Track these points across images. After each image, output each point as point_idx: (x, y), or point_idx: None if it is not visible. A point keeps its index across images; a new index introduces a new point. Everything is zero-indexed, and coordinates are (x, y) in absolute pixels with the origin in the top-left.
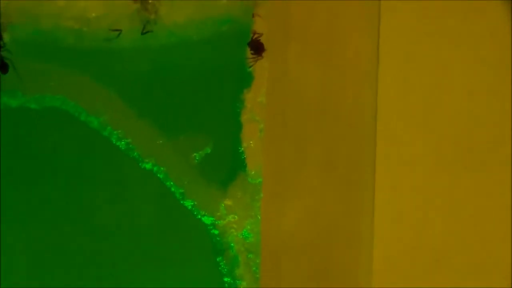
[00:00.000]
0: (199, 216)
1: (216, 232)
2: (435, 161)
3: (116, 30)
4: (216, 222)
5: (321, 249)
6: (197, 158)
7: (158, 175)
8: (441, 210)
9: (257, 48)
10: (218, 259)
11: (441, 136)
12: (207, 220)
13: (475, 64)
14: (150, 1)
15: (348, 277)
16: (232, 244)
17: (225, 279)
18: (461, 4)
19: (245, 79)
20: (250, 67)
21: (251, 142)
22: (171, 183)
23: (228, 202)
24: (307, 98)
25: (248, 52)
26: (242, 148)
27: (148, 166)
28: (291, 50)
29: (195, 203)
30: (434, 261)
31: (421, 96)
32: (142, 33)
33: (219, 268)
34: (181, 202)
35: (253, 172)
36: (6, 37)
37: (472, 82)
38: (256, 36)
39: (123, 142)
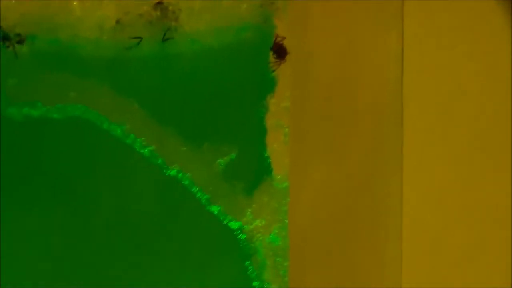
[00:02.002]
0: (226, 221)
1: (244, 236)
2: (462, 156)
3: (136, 38)
4: (243, 227)
5: (349, 251)
6: (222, 164)
7: (183, 181)
8: (468, 203)
9: (280, 52)
10: (246, 264)
11: (469, 129)
12: (234, 225)
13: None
14: (170, 8)
15: (376, 280)
16: (259, 249)
17: (254, 284)
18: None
19: (269, 84)
20: (273, 71)
21: (276, 147)
22: (197, 189)
23: (254, 206)
24: (332, 101)
25: (271, 57)
26: (267, 153)
27: (172, 172)
28: (314, 53)
29: (222, 208)
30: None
31: (445, 93)
32: (163, 41)
33: (247, 272)
34: (207, 208)
35: (279, 177)
36: (25, 48)
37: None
38: (278, 39)
39: (147, 150)
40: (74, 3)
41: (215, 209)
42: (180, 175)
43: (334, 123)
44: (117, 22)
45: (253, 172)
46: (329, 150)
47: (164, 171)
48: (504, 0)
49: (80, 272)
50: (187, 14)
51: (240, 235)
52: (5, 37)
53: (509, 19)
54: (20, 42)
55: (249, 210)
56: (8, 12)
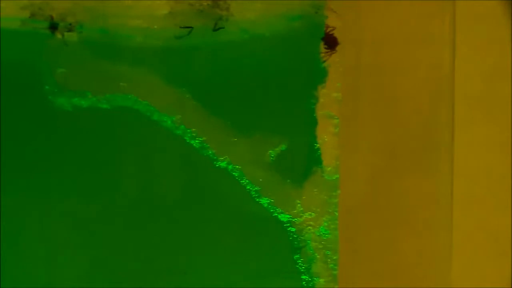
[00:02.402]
0: (276, 214)
1: (293, 229)
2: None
3: (187, 27)
4: (293, 220)
5: (399, 245)
6: (272, 156)
7: (233, 173)
8: None
9: (331, 42)
10: (295, 257)
11: None
12: (283, 217)
13: None
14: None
15: (426, 275)
16: (309, 242)
17: (303, 277)
18: None
19: (319, 75)
20: (324, 62)
21: (326, 138)
22: (247, 181)
23: (304, 199)
24: (383, 91)
25: (322, 47)
26: (318, 145)
27: (222, 164)
28: (365, 44)
29: (271, 200)
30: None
31: (497, 80)
32: (214, 30)
33: (297, 266)
34: (257, 200)
35: (329, 169)
36: (74, 37)
37: None
38: (329, 30)
39: (197, 141)
40: None
41: (264, 201)
42: (230, 167)
43: (385, 114)
44: (167, 11)
45: (303, 163)
46: (380, 141)
47: (214, 162)
48: None
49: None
50: (238, 3)
51: (290, 227)
52: (54, 26)
53: None
54: (70, 30)
55: (299, 202)
56: (58, 1)
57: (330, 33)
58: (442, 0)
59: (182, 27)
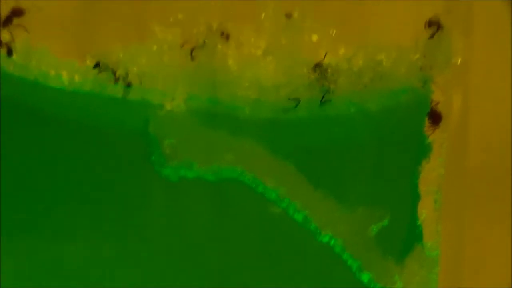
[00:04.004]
0: None
1: None
2: None
3: (295, 99)
4: None
5: None
6: (374, 230)
7: (335, 248)
8: None
9: (435, 118)
10: None
11: None
12: None
13: None
14: (329, 70)
15: None
16: None
17: None
18: None
19: (424, 150)
20: (428, 137)
21: (427, 213)
22: (348, 255)
23: (405, 275)
24: (486, 170)
25: (426, 122)
26: (420, 221)
27: (325, 239)
28: (470, 119)
29: (372, 275)
30: None
31: None
32: (321, 103)
33: None
34: (358, 275)
35: (429, 244)
36: (182, 107)
37: None
38: (434, 104)
39: (300, 214)
40: (230, 62)
41: (365, 277)
42: (332, 241)
43: (487, 192)
44: (275, 83)
45: (404, 238)
46: (483, 218)
47: (317, 237)
48: None
49: None
50: (346, 76)
51: None
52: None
53: None
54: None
55: (399, 278)
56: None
57: (435, 108)
58: None
59: (290, 99)
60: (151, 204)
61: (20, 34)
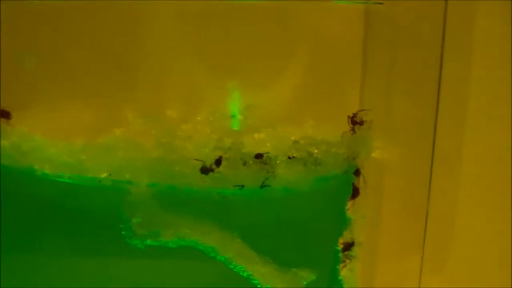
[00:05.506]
0: None
1: None
2: None
3: (239, 186)
4: None
5: None
6: (304, 284)
7: None
8: None
9: (354, 193)
10: None
11: None
12: None
13: None
14: (268, 161)
15: None
16: None
17: None
18: None
19: (345, 223)
20: (347, 209)
21: (346, 273)
22: None
23: None
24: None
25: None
26: (340, 277)
27: None
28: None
29: None
30: None
31: None
32: (261, 187)
33: None
34: None
35: None
36: (147, 193)
37: None
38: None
39: (245, 274)
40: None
41: None
42: None
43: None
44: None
45: None
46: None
47: None
48: None
49: None
50: (283, 168)
51: None
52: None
53: None
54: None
55: None
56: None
57: (356, 186)
58: None
59: (235, 186)
60: (123, 264)
61: None
